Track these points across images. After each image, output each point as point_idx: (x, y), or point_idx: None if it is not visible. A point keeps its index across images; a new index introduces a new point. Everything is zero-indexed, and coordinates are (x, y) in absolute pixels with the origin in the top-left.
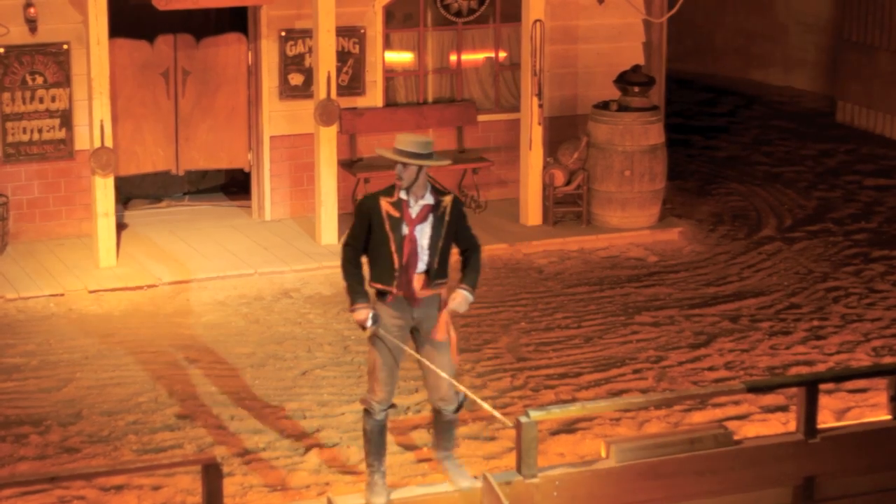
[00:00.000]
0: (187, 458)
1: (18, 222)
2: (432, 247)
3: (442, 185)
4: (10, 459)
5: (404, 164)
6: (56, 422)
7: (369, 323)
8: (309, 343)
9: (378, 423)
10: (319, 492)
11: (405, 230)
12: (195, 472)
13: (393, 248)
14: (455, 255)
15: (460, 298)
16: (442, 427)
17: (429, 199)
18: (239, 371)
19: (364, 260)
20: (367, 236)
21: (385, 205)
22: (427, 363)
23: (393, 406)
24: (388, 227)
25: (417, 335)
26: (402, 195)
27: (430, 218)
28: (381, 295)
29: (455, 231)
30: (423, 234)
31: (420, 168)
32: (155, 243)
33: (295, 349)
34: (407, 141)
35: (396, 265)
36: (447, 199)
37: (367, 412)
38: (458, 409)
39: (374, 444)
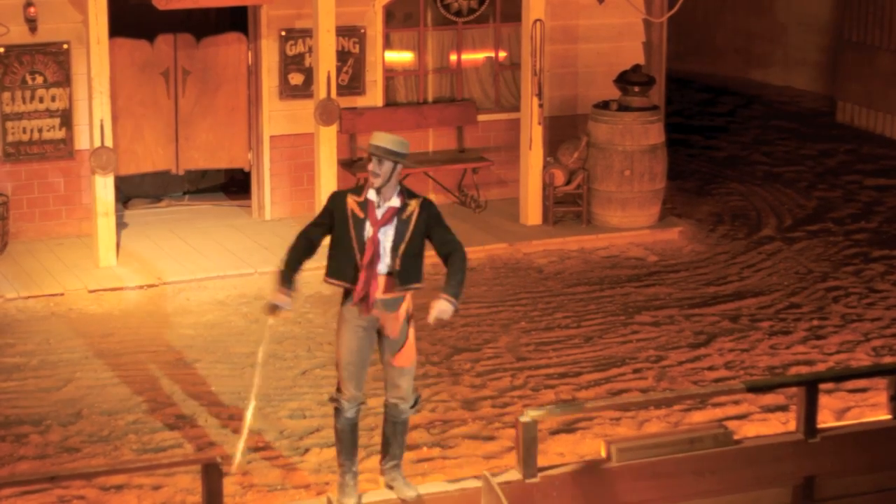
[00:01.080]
0: (187, 457)
1: (18, 222)
2: (394, 249)
3: (412, 190)
4: (10, 459)
5: (379, 162)
6: (56, 421)
7: (275, 308)
8: (309, 342)
9: (349, 422)
10: (319, 491)
11: (369, 231)
12: (195, 471)
13: (355, 246)
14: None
15: (442, 307)
16: (396, 430)
17: (395, 202)
18: (239, 371)
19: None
20: (325, 232)
21: (352, 203)
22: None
23: (363, 403)
24: (350, 225)
25: (380, 333)
26: (371, 195)
27: (395, 221)
28: (345, 295)
29: (426, 235)
30: (387, 237)
31: (394, 168)
32: (155, 243)
33: (295, 348)
34: (384, 138)
35: (358, 262)
36: (414, 203)
37: (337, 410)
38: (413, 406)
39: (345, 443)
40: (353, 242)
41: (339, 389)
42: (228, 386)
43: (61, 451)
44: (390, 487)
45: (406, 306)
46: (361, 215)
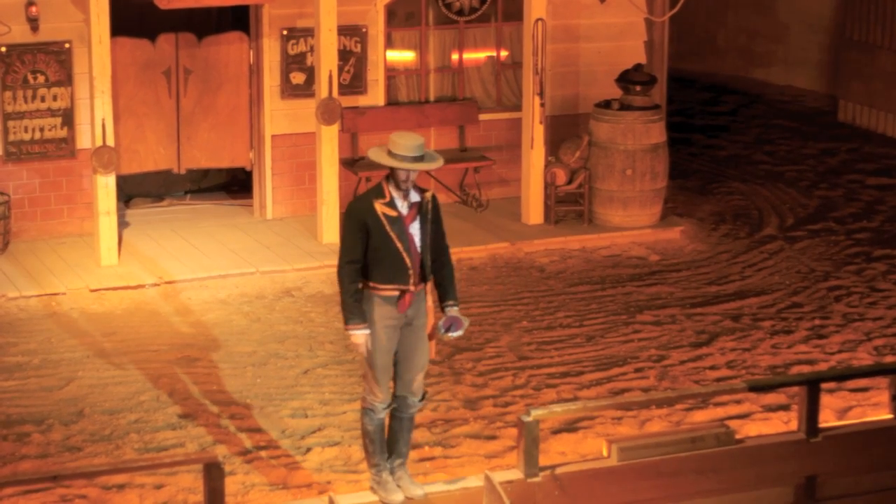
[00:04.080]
0: (189, 456)
1: (20, 221)
2: (423, 244)
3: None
4: (12, 458)
5: (406, 175)
6: (58, 420)
7: (366, 348)
8: (310, 342)
9: (381, 422)
10: (321, 490)
11: (405, 228)
12: (197, 470)
13: (400, 246)
14: None
15: (462, 321)
16: (403, 426)
17: (415, 198)
18: (240, 370)
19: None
20: (364, 245)
21: (380, 206)
22: (411, 355)
23: (392, 403)
24: (388, 227)
25: (405, 328)
26: (394, 194)
27: (418, 216)
28: (385, 298)
29: (435, 228)
30: (416, 232)
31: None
32: (156, 242)
33: (296, 348)
34: (408, 146)
35: (409, 262)
36: (428, 196)
37: (369, 412)
38: (422, 399)
39: (378, 443)
40: (395, 243)
41: (370, 392)
42: (230, 385)
43: (63, 451)
44: (397, 486)
45: (430, 299)
46: (395, 214)
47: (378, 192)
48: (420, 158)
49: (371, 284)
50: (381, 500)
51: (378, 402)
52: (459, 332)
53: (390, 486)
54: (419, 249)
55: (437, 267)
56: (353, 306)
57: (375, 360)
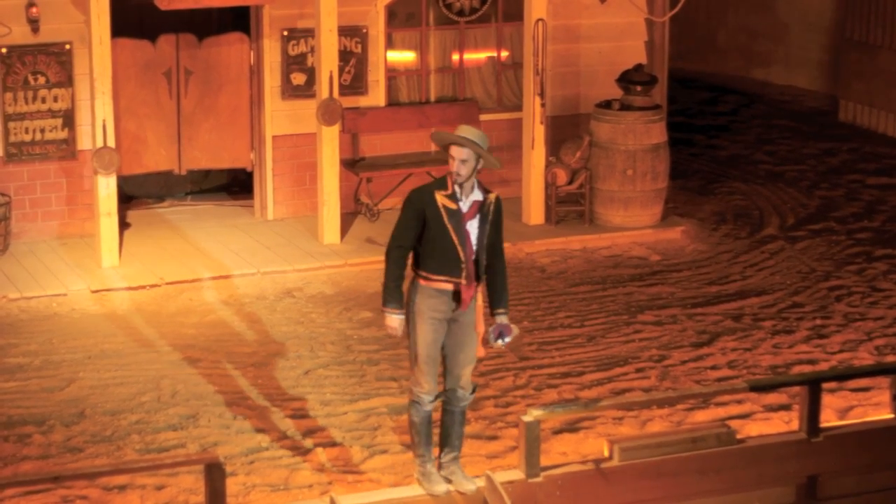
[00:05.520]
0: (190, 457)
1: (21, 222)
2: (479, 243)
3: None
4: (14, 459)
5: (462, 161)
6: (59, 421)
7: (400, 333)
8: (311, 342)
9: (427, 414)
10: (322, 491)
11: (463, 223)
12: (198, 471)
13: (455, 239)
14: None
15: (512, 328)
16: (455, 419)
17: (477, 196)
18: (242, 370)
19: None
20: (418, 233)
21: (441, 198)
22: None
23: (440, 395)
24: (446, 219)
25: (451, 324)
26: (456, 189)
27: (478, 215)
28: (436, 291)
29: (494, 231)
30: (473, 229)
31: (476, 164)
32: (157, 243)
33: (298, 348)
34: (472, 132)
35: (462, 257)
36: (492, 197)
37: (416, 403)
38: (472, 392)
39: (423, 434)
40: (451, 235)
41: (417, 383)
42: (231, 386)
43: (64, 451)
44: (448, 481)
45: (480, 298)
46: (454, 207)
47: (442, 183)
48: (480, 148)
49: (423, 274)
50: (426, 492)
51: (424, 393)
52: (508, 339)
53: (434, 478)
54: (475, 247)
55: (490, 273)
56: (394, 290)
57: (420, 351)
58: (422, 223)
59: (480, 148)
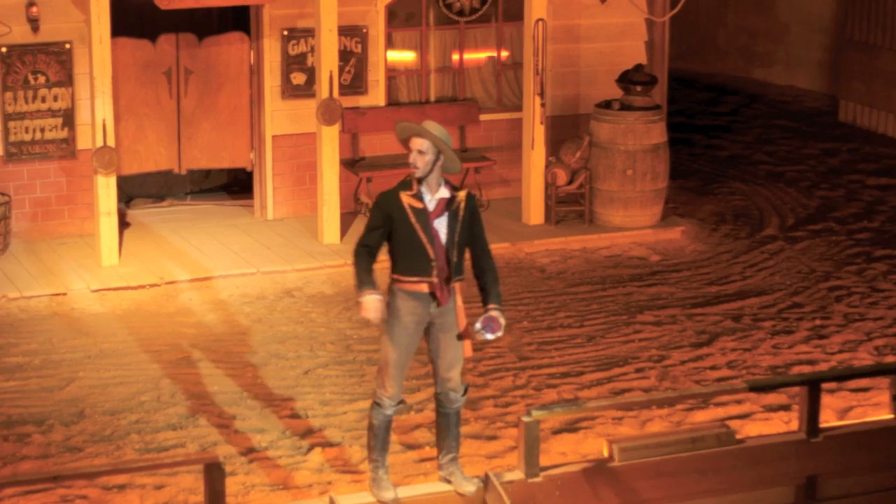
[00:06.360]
0: (190, 457)
1: (20, 221)
2: (450, 241)
3: (453, 183)
4: (13, 459)
5: (420, 152)
6: (58, 421)
7: (377, 313)
8: (311, 342)
9: (387, 419)
10: (322, 491)
11: (428, 222)
12: (198, 471)
13: (423, 238)
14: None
15: (501, 321)
16: (450, 421)
17: (444, 193)
18: (241, 370)
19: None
20: (384, 235)
21: (406, 198)
22: (443, 352)
23: (402, 402)
24: (413, 218)
25: (431, 327)
26: (422, 188)
27: (446, 213)
28: (409, 293)
29: (470, 229)
30: (441, 228)
31: (435, 159)
32: (157, 242)
33: (297, 348)
34: (434, 126)
35: (432, 254)
36: (461, 195)
37: (377, 406)
38: (464, 394)
39: (381, 439)
40: (420, 235)
41: (382, 386)
42: (231, 385)
43: (64, 451)
44: (448, 482)
45: (460, 297)
46: (420, 206)
47: (406, 184)
48: (438, 139)
49: (396, 277)
50: (375, 497)
51: (387, 396)
52: (499, 334)
53: (384, 484)
54: (444, 244)
55: (479, 271)
56: (365, 276)
57: (391, 355)
58: (389, 225)
59: (440, 140)
